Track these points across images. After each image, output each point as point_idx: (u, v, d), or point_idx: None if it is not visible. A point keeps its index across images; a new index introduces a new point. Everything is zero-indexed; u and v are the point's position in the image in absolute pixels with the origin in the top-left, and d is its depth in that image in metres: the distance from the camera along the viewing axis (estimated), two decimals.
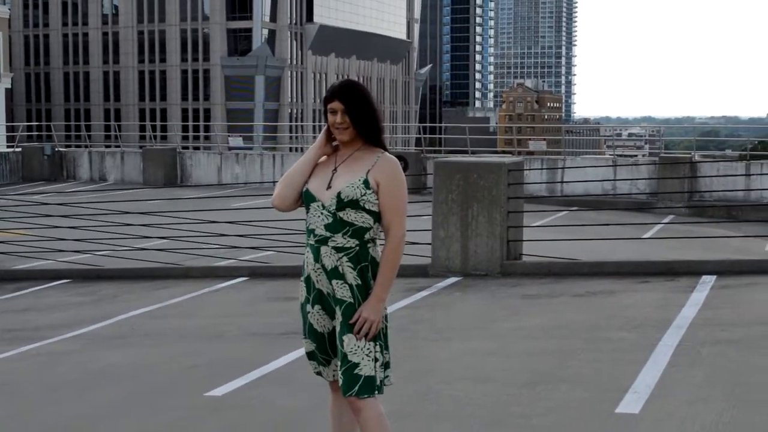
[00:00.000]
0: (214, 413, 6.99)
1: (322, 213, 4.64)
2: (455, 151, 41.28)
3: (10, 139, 46.88)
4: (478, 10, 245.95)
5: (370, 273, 4.63)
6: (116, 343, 9.63)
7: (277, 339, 8.72)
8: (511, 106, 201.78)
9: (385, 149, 4.74)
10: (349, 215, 4.60)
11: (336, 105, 4.64)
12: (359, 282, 4.63)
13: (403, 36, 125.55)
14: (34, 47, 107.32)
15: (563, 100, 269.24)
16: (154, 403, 7.45)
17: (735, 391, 6.96)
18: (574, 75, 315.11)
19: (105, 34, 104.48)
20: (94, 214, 16.73)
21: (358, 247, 4.62)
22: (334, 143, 4.74)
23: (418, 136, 57.04)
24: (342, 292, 4.63)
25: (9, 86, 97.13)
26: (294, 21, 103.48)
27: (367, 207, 4.59)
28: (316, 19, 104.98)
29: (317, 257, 4.67)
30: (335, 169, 4.67)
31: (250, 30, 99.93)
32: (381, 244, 4.65)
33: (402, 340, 8.76)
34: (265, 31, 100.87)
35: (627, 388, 6.88)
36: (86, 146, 42.41)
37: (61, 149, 37.52)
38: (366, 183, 4.58)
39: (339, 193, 4.59)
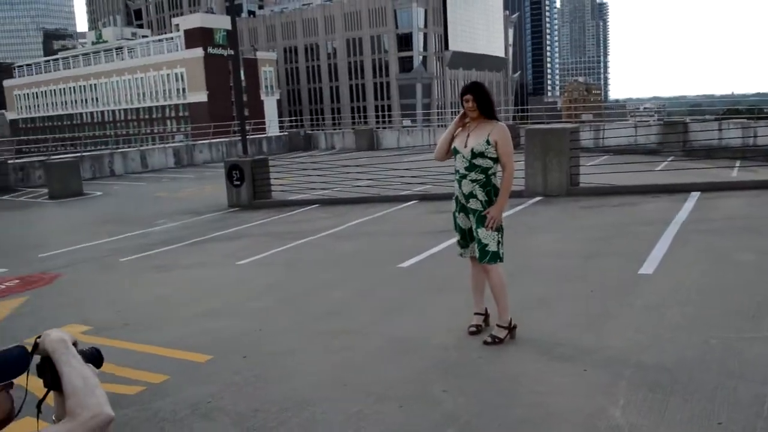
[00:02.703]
0: (403, 276, 7.16)
1: (463, 159, 4.67)
2: (536, 122, 39.97)
3: (281, 128, 48.24)
4: (548, 37, 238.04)
5: (492, 193, 4.65)
6: (345, 238, 9.88)
7: (437, 234, 8.81)
8: (570, 94, 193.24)
9: (498, 120, 4.72)
10: (478, 161, 4.62)
11: (468, 96, 4.66)
12: (486, 199, 4.67)
13: (502, 54, 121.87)
14: (290, 74, 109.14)
15: (602, 88, 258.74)
16: (367, 269, 7.66)
17: (712, 259, 6.70)
18: (609, 72, 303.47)
19: (329, 65, 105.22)
20: (330, 167, 17.10)
21: (484, 179, 4.65)
22: (466, 120, 4.74)
23: (513, 114, 56.33)
24: (475, 205, 4.68)
25: (278, 98, 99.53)
26: (437, 49, 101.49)
27: (488, 155, 4.61)
28: (450, 47, 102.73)
29: (460, 185, 4.73)
30: (468, 135, 4.69)
31: (411, 57, 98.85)
32: (499, 177, 4.67)
33: (513, 234, 8.69)
34: (421, 57, 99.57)
35: (645, 259, 6.72)
36: (322, 129, 43.01)
37: (309, 132, 38.12)
38: (488, 141, 4.60)
39: (472, 149, 4.63)
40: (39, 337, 1.84)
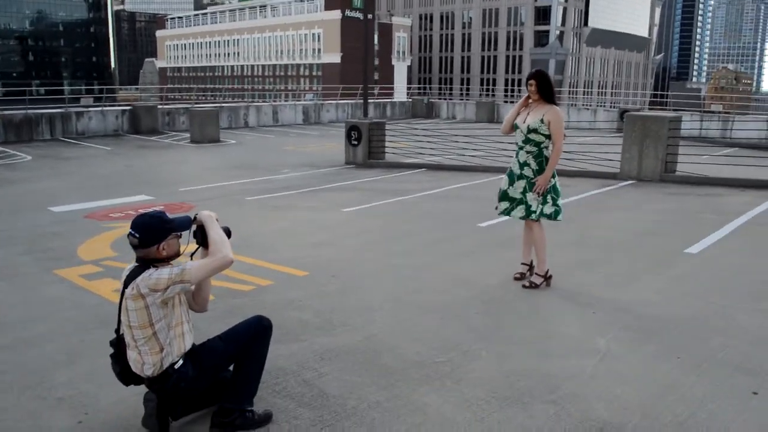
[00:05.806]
0: (477, 233, 8.12)
1: (521, 134, 5.68)
2: (674, 109, 38.46)
3: (408, 95, 49.49)
4: (699, 19, 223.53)
5: (543, 164, 5.62)
6: (440, 199, 10.82)
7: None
8: (716, 81, 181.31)
9: (555, 104, 5.65)
10: (532, 135, 5.61)
11: (532, 81, 5.63)
12: (537, 168, 5.65)
13: (645, 34, 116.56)
14: (423, 42, 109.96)
15: (755, 78, 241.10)
16: (449, 224, 8.60)
17: (758, 249, 7.29)
18: (765, 61, 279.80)
19: (463, 35, 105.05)
20: (441, 135, 18.17)
21: (536, 151, 5.62)
22: (529, 101, 5.71)
23: (651, 99, 55.14)
24: (528, 172, 5.67)
25: (409, 64, 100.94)
26: (575, 25, 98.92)
27: (541, 132, 5.58)
28: (590, 23, 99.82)
29: (518, 155, 5.73)
30: (528, 113, 5.67)
31: (548, 31, 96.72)
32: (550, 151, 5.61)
33: (589, 210, 9.51)
34: (558, 32, 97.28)
35: (696, 241, 7.39)
36: (445, 99, 43.77)
37: (432, 100, 38.90)
38: (542, 120, 5.57)
39: (528, 125, 5.61)
40: (197, 214, 3.19)
